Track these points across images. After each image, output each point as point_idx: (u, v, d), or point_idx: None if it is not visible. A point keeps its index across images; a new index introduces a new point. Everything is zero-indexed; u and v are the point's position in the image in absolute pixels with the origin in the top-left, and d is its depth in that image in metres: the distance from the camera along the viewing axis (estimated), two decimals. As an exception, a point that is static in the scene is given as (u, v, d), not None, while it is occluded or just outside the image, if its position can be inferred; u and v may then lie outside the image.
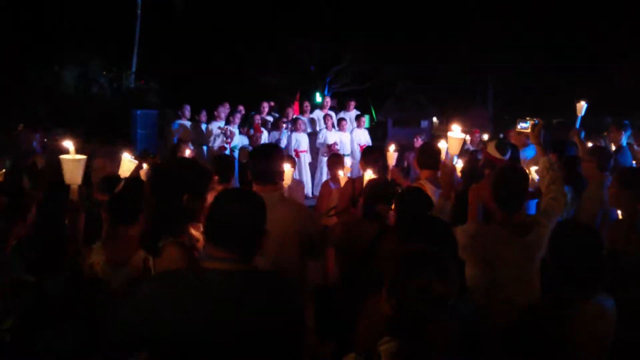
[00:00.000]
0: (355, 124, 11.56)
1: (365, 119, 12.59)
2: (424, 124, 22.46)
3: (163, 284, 2.00)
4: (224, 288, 1.93)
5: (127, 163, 4.25)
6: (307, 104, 11.81)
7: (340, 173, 5.32)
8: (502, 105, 23.71)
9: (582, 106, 5.29)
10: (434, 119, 21.14)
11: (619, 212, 3.72)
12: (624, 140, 5.97)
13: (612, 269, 3.20)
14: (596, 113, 16.29)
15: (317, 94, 20.01)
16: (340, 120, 11.15)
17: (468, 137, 9.42)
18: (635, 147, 7.03)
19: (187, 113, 10.71)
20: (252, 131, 10.44)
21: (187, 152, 6.72)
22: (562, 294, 2.35)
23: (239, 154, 9.65)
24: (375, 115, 22.84)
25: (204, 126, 10.48)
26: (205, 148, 10.28)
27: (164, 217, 2.31)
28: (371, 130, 13.42)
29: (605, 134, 6.98)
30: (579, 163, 5.02)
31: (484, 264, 3.04)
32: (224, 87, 18.62)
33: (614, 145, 5.99)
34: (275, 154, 3.41)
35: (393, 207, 3.36)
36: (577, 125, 5.41)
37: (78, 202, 3.04)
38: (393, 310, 1.78)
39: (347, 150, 10.89)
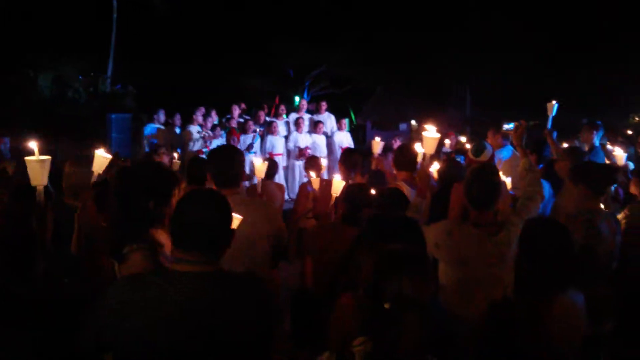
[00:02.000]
0: (335, 127, 11.58)
1: (346, 122, 12.61)
2: (403, 126, 22.61)
3: (130, 287, 1.97)
4: (192, 290, 1.90)
5: (100, 159, 4.14)
6: (282, 107, 11.75)
7: (313, 174, 5.30)
8: (479, 108, 23.95)
9: (552, 106, 5.36)
10: (413, 122, 21.26)
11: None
12: (596, 141, 6.05)
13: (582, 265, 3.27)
14: (571, 114, 16.58)
15: (297, 98, 20.00)
16: (317, 122, 11.15)
17: (448, 142, 9.50)
18: (608, 146, 7.16)
19: (162, 117, 10.62)
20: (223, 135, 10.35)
21: (165, 158, 6.66)
22: (534, 291, 2.36)
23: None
24: (355, 118, 22.92)
25: (178, 130, 10.38)
26: (179, 152, 10.19)
27: (129, 222, 2.27)
28: (350, 134, 13.46)
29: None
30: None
31: (457, 262, 3.07)
32: (203, 91, 18.50)
33: (587, 145, 6.07)
34: (235, 156, 3.36)
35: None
36: (549, 125, 5.48)
37: (44, 203, 2.98)
38: (368, 310, 1.77)
39: (323, 153, 10.89)
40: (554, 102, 5.35)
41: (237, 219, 2.44)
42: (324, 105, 12.06)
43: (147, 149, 10.16)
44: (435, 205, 4.06)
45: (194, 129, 10.24)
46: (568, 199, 4.52)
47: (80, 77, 16.46)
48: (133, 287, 1.95)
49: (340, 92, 22.58)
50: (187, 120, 10.50)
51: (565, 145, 7.24)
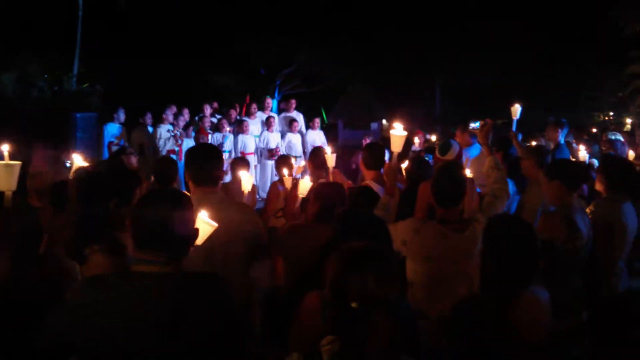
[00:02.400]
0: (303, 125, 11.58)
1: (319, 121, 12.61)
2: (374, 125, 22.71)
3: (92, 289, 1.93)
4: (153, 291, 1.88)
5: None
6: (254, 105, 11.67)
7: (285, 172, 5.29)
8: (449, 107, 24.26)
9: (517, 109, 5.45)
10: (384, 121, 21.37)
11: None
12: (561, 138, 6.18)
13: (547, 261, 3.33)
14: (538, 112, 16.93)
15: (268, 97, 19.91)
16: (292, 121, 11.13)
17: (417, 140, 9.58)
18: (573, 144, 7.32)
19: (122, 117, 10.42)
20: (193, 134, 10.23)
21: (133, 159, 6.54)
22: (499, 287, 2.39)
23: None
24: (326, 117, 22.93)
25: (150, 129, 10.24)
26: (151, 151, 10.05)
27: (90, 223, 2.23)
28: (322, 133, 13.47)
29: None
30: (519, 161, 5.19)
31: (424, 259, 3.11)
32: (173, 90, 18.26)
33: (552, 143, 6.20)
34: (214, 155, 3.33)
35: None
36: (514, 127, 5.58)
37: (10, 209, 2.89)
38: (335, 309, 1.77)
39: (299, 152, 10.87)
40: (517, 105, 5.44)
41: (208, 224, 2.41)
42: (293, 103, 12.02)
43: (105, 150, 9.92)
44: (403, 204, 4.09)
45: (164, 128, 10.10)
46: (534, 197, 4.61)
47: (45, 76, 16.09)
48: (94, 289, 1.92)
49: (311, 90, 22.57)
50: (158, 119, 10.33)
51: (533, 143, 7.40)
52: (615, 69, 19.45)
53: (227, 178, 5.77)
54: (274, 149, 10.60)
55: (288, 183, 5.01)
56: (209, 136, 10.25)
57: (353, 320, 1.71)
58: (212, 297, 1.96)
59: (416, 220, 3.31)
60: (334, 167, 5.08)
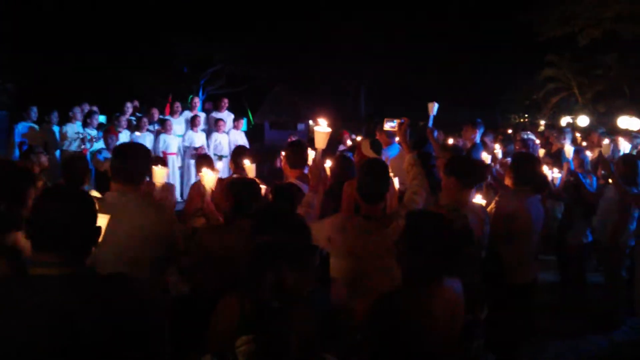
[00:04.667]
0: (232, 125, 11.42)
1: (244, 121, 12.46)
2: (301, 126, 22.80)
3: None
4: (51, 295, 1.77)
5: None
6: (177, 104, 11.36)
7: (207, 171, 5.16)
8: (374, 107, 24.74)
9: (433, 106, 5.58)
10: (310, 122, 21.52)
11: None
12: (477, 138, 6.41)
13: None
14: (457, 112, 17.59)
15: (195, 96, 19.53)
16: (217, 120, 10.93)
17: (349, 142, 9.65)
18: (488, 143, 7.61)
19: (34, 115, 9.90)
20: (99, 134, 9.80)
21: (43, 158, 6.21)
22: (417, 280, 2.42)
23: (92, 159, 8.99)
24: (252, 117, 22.76)
25: (56, 129, 9.76)
26: (58, 153, 9.55)
27: None
28: (248, 133, 13.32)
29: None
30: (431, 158, 5.35)
31: (349, 255, 3.10)
32: (91, 88, 17.49)
33: (469, 142, 6.42)
34: (138, 153, 3.19)
35: None
36: (430, 124, 5.71)
37: None
38: (250, 308, 1.71)
39: (225, 151, 10.70)
40: (434, 102, 5.58)
41: (104, 217, 2.28)
42: (224, 103, 11.84)
43: (16, 149, 9.39)
44: (327, 201, 4.09)
45: (71, 128, 9.64)
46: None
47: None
48: None
49: (237, 90, 22.32)
50: (66, 118, 9.85)
51: (450, 141, 7.63)
52: (531, 73, 20.51)
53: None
54: (198, 148, 10.36)
55: (208, 183, 4.90)
56: (124, 134, 9.84)
57: (270, 318, 1.66)
58: (117, 299, 1.87)
59: (341, 217, 3.31)
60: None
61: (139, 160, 3.11)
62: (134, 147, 3.40)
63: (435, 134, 5.89)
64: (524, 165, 4.30)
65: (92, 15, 19.96)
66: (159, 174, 4.38)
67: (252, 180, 3.76)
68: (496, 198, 4.25)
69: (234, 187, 3.44)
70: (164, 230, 3.10)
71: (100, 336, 1.77)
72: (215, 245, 3.30)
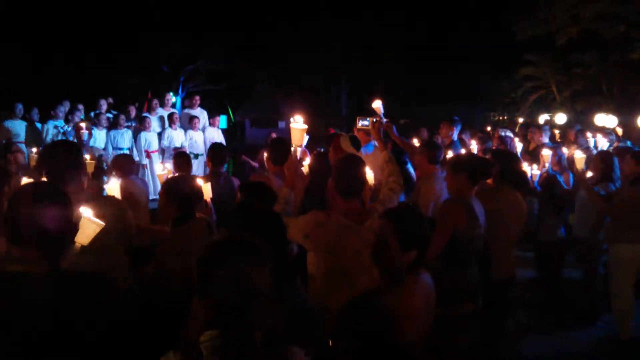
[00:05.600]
0: (207, 123, 11.32)
1: (220, 119, 12.35)
2: (282, 124, 22.74)
3: None
4: (25, 291, 1.77)
5: None
6: (156, 101, 11.20)
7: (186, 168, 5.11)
8: (355, 106, 24.80)
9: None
10: (292, 120, 21.48)
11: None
12: (455, 135, 6.43)
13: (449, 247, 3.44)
14: (437, 110, 17.69)
15: (171, 94, 19.34)
16: (192, 118, 10.81)
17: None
18: (466, 140, 7.65)
19: (19, 112, 9.77)
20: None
21: (19, 156, 6.14)
22: (394, 274, 2.43)
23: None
24: (233, 115, 22.63)
25: (38, 126, 9.63)
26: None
27: None
28: (229, 131, 13.22)
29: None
30: (403, 155, 5.35)
31: (326, 252, 3.09)
32: (71, 86, 17.26)
33: (447, 140, 6.43)
34: (61, 151, 3.08)
35: None
36: (383, 119, 5.66)
37: None
38: (210, 303, 1.68)
39: (200, 149, 10.59)
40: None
41: (95, 223, 2.25)
42: (197, 100, 11.73)
43: None
44: (306, 198, 4.07)
45: (52, 125, 9.53)
46: (425, 190, 4.74)
47: None
48: None
49: (217, 88, 22.17)
50: (48, 114, 9.73)
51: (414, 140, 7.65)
52: (510, 71, 20.69)
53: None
54: (180, 148, 10.23)
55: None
56: (92, 132, 9.68)
57: (228, 313, 1.63)
58: (91, 297, 1.87)
59: (319, 213, 3.29)
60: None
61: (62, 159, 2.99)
62: (57, 146, 3.27)
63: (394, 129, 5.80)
64: (503, 162, 4.32)
65: (71, 13, 19.67)
66: (207, 190, 4.21)
67: (189, 178, 3.71)
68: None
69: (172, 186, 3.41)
70: (122, 226, 3.07)
71: (75, 334, 1.78)
72: (184, 238, 3.27)
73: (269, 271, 1.70)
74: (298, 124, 3.70)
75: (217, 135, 11.12)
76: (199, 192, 3.53)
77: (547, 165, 6.01)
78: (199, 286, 1.70)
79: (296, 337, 1.83)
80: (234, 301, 1.63)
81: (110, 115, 10.51)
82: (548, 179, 6.05)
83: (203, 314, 1.64)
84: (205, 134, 10.99)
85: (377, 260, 2.50)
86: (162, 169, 5.49)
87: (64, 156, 2.97)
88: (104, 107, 10.58)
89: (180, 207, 3.36)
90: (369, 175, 3.91)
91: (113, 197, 3.53)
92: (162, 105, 11.25)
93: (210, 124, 11.37)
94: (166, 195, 3.41)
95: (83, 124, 8.69)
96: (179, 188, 3.40)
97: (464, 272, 3.56)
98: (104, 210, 2.90)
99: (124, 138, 9.92)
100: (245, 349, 1.60)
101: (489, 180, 4.32)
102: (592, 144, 8.06)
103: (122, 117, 10.20)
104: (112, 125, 10.09)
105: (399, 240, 2.43)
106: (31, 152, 7.61)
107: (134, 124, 10.47)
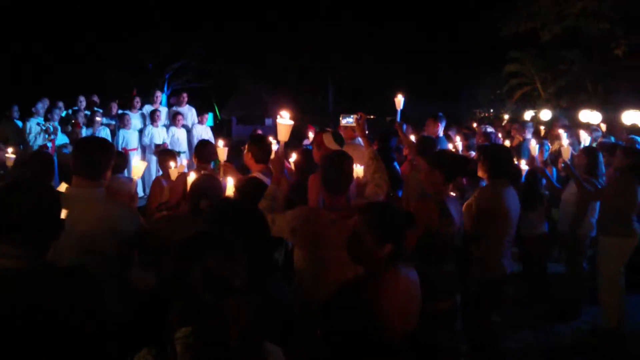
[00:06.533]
0: (195, 120, 11.25)
1: (209, 116, 12.29)
2: (269, 121, 22.67)
3: None
4: (12, 287, 1.79)
5: None
6: (137, 99, 11.10)
7: (172, 164, 5.07)
8: (342, 103, 24.79)
9: (400, 101, 5.60)
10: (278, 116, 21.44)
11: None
12: (440, 131, 6.46)
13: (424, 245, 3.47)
14: (422, 107, 17.74)
15: (157, 90, 19.19)
16: (175, 114, 10.74)
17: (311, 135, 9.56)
18: (452, 136, 7.70)
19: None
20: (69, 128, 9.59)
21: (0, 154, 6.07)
22: (376, 267, 2.44)
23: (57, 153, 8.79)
24: (219, 112, 22.52)
25: (18, 123, 9.53)
26: (21, 148, 9.29)
27: None
28: (215, 128, 13.15)
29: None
30: (390, 152, 5.39)
31: (313, 246, 3.11)
32: (56, 84, 17.06)
33: (432, 136, 6.46)
34: (101, 147, 3.09)
35: None
36: (398, 118, 5.73)
37: None
38: (183, 299, 1.68)
39: (183, 146, 10.52)
40: (400, 96, 5.58)
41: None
42: (184, 97, 11.64)
43: None
44: (293, 194, 4.07)
45: (34, 122, 9.42)
46: (413, 185, 4.77)
47: None
48: None
49: (203, 85, 22.03)
50: (28, 112, 9.62)
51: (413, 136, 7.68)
52: (496, 68, 20.79)
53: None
54: (161, 144, 10.15)
55: (174, 175, 4.83)
56: (82, 130, 9.64)
57: (201, 308, 1.63)
58: (76, 293, 1.88)
59: (306, 209, 3.32)
60: (226, 161, 4.94)
61: (98, 155, 3.01)
62: (96, 141, 3.31)
63: (405, 127, 5.91)
64: (498, 156, 4.33)
65: (54, 9, 19.44)
66: (137, 169, 4.25)
67: (213, 177, 3.69)
68: (476, 194, 4.27)
69: (196, 183, 3.39)
70: (127, 224, 3.03)
71: (60, 329, 1.78)
72: (173, 235, 3.24)
73: (242, 267, 1.70)
74: (284, 119, 3.70)
75: (205, 133, 11.08)
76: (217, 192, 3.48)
77: (567, 160, 5.94)
78: (173, 282, 1.70)
79: (275, 335, 1.83)
80: (206, 297, 1.62)
81: (88, 113, 10.41)
82: (534, 174, 6.09)
83: (178, 310, 1.63)
84: (193, 131, 10.92)
85: (353, 254, 2.50)
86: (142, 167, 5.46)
87: (95, 153, 3.02)
88: (83, 104, 10.47)
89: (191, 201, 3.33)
90: (358, 170, 3.92)
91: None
92: (152, 102, 11.15)
93: (199, 122, 11.31)
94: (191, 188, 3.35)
95: (80, 121, 8.66)
96: (199, 184, 3.38)
97: (440, 269, 3.60)
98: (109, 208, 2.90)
99: (101, 135, 9.80)
100: (218, 346, 1.59)
101: (482, 175, 4.34)
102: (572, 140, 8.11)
103: (98, 114, 10.09)
104: (89, 123, 9.99)
105: (373, 234, 2.44)
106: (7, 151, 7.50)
107: (114, 122, 10.37)
